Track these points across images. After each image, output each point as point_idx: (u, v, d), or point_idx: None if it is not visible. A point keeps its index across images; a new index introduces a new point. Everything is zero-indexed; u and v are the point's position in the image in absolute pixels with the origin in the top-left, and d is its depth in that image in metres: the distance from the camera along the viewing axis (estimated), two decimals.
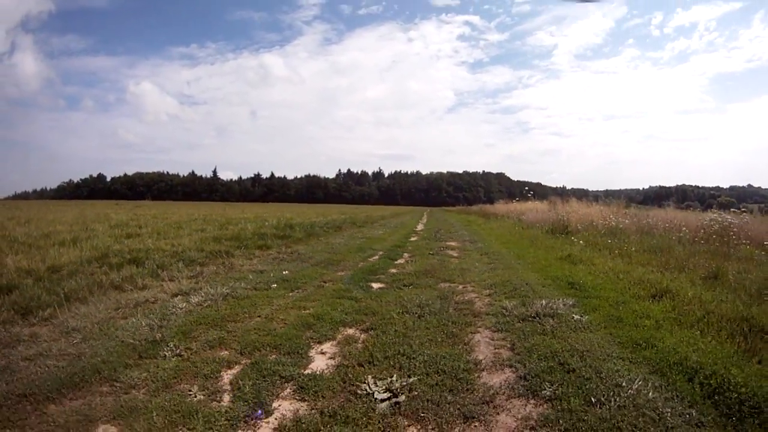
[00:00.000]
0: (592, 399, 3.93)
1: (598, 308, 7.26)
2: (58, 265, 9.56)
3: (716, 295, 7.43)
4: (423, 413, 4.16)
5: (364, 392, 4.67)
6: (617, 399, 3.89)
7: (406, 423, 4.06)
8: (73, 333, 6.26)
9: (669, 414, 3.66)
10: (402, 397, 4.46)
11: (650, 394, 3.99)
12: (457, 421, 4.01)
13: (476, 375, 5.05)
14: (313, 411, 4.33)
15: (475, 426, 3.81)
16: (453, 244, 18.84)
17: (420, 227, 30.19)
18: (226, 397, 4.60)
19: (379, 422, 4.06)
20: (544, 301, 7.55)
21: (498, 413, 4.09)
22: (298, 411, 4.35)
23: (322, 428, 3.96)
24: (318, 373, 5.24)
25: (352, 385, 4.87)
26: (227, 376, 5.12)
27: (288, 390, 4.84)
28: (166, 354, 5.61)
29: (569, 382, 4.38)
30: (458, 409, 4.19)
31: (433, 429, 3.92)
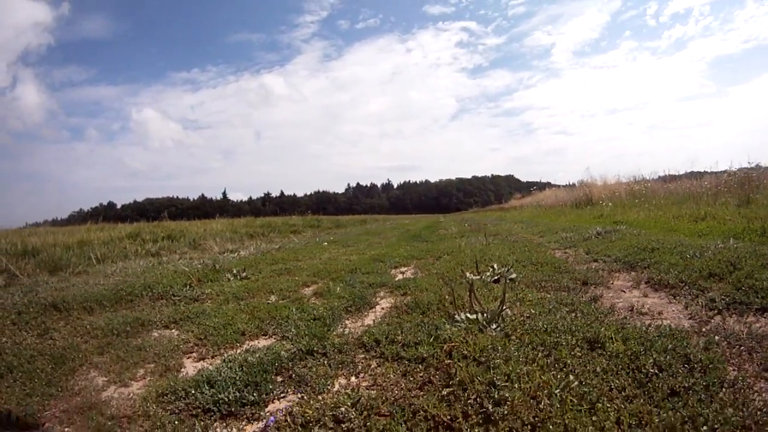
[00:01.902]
0: (687, 256, 4.08)
1: (651, 228, 7.07)
2: (87, 240, 8.88)
3: (752, 210, 7.37)
4: (542, 284, 3.82)
5: (470, 280, 4.01)
6: (709, 252, 4.06)
7: (528, 289, 3.64)
8: (111, 276, 5.53)
9: (764, 249, 3.94)
10: (514, 275, 4.11)
11: (735, 246, 4.27)
12: (578, 285, 3.73)
13: (569, 265, 4.68)
14: (423, 295, 3.59)
15: (594, 287, 3.73)
16: (483, 221, 18.13)
17: (442, 219, 29.56)
18: (317, 301, 3.82)
19: (503, 290, 3.43)
20: (599, 228, 7.16)
21: (610, 281, 3.93)
22: (403, 300, 3.60)
23: (447, 297, 3.23)
24: (409, 278, 4.46)
25: (453, 279, 4.11)
26: (307, 291, 4.33)
27: (383, 292, 4.07)
28: (230, 278, 4.85)
29: (658, 254, 4.43)
30: (572, 280, 3.88)
31: (557, 291, 3.56)
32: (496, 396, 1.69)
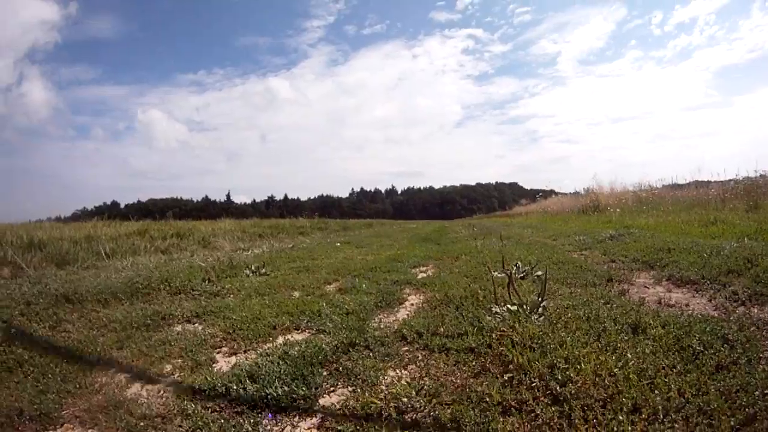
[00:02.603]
0: (704, 255, 4.15)
1: (662, 231, 7.07)
2: (94, 235, 8.74)
3: (761, 214, 7.46)
4: (568, 281, 3.85)
5: (508, 272, 3.91)
6: (725, 251, 4.13)
7: (557, 286, 3.64)
8: (123, 270, 5.42)
9: None
10: (539, 272, 4.10)
11: (750, 245, 4.39)
12: (603, 282, 3.76)
13: (590, 265, 4.65)
14: (453, 290, 3.54)
15: (618, 283, 3.75)
16: (490, 226, 17.97)
17: (447, 224, 29.43)
18: (344, 297, 3.71)
19: (531, 286, 3.62)
20: (611, 232, 7.15)
21: (632, 278, 3.96)
22: (434, 295, 3.55)
23: (479, 291, 3.23)
24: (434, 276, 4.38)
25: (480, 277, 4.10)
26: (330, 287, 4.26)
27: (408, 289, 4.02)
28: (248, 274, 4.78)
29: (676, 254, 4.47)
30: (596, 277, 3.91)
31: (584, 287, 3.59)
32: (559, 377, 1.73)
